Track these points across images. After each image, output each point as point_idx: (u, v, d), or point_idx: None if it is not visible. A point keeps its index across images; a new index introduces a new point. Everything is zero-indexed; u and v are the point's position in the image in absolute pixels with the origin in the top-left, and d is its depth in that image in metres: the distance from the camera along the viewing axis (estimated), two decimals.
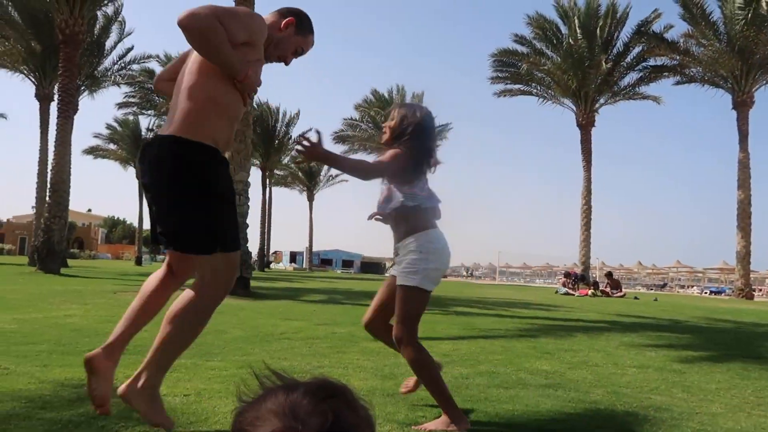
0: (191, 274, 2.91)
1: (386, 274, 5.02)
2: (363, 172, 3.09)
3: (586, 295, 21.98)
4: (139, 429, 2.87)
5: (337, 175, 56.70)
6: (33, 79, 25.48)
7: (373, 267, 67.58)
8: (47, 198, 18.58)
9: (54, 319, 6.89)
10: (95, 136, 45.28)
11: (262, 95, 44.13)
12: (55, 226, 17.37)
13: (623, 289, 23.97)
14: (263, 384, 0.76)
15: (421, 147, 3.08)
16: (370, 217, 3.33)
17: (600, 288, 23.08)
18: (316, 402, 0.69)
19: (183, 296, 2.81)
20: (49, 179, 18.55)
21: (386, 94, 39.52)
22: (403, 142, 3.08)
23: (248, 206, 11.33)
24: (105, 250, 79.81)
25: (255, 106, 25.66)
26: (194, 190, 2.62)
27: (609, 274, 25.94)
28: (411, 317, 3.03)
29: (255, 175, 40.40)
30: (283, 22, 2.92)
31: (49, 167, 19.06)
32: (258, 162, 40.60)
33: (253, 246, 39.01)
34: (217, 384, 3.87)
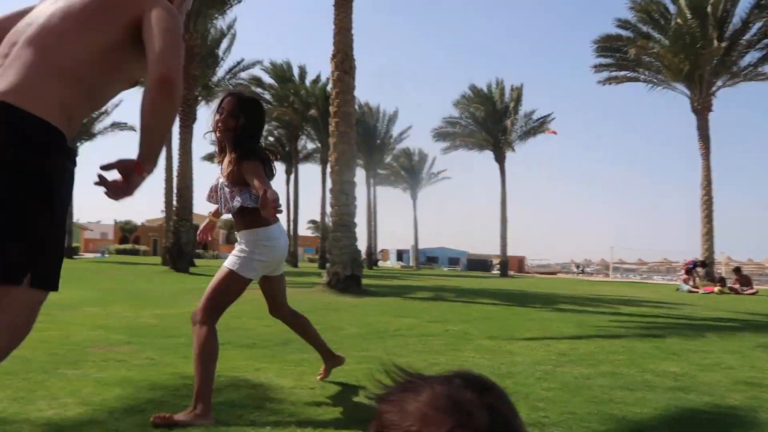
0: None
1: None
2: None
3: (712, 292, 20.37)
4: (273, 418, 3.06)
5: (439, 172, 56.81)
6: None
7: (480, 264, 66.65)
8: (174, 203, 20.19)
9: (188, 314, 7.44)
10: (212, 143, 48.50)
11: (362, 96, 44.81)
12: (183, 228, 18.88)
13: (754, 286, 21.96)
14: (396, 380, 0.72)
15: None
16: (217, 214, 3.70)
17: (727, 285, 21.31)
18: (477, 395, 0.67)
19: None
20: (175, 185, 20.15)
21: (485, 89, 38.96)
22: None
23: (355, 206, 11.68)
24: (226, 250, 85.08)
25: (357, 107, 26.15)
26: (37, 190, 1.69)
27: (737, 270, 23.85)
28: (219, 297, 3.21)
29: (359, 175, 41.42)
30: None
31: (174, 174, 20.71)
32: (361, 162, 41.59)
33: (361, 245, 40.02)
34: (339, 378, 4.04)
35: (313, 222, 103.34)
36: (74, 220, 40.55)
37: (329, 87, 35.80)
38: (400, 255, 78.40)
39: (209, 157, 47.85)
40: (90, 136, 37.91)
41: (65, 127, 1.70)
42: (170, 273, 18.55)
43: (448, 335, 6.37)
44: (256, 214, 3.13)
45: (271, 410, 3.20)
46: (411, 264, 63.45)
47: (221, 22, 26.69)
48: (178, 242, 19.00)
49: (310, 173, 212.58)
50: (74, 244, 41.81)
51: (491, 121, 37.52)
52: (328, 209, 11.81)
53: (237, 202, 3.27)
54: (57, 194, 1.69)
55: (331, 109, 11.78)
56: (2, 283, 1.64)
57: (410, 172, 54.68)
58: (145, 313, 7.44)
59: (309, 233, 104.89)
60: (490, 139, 37.77)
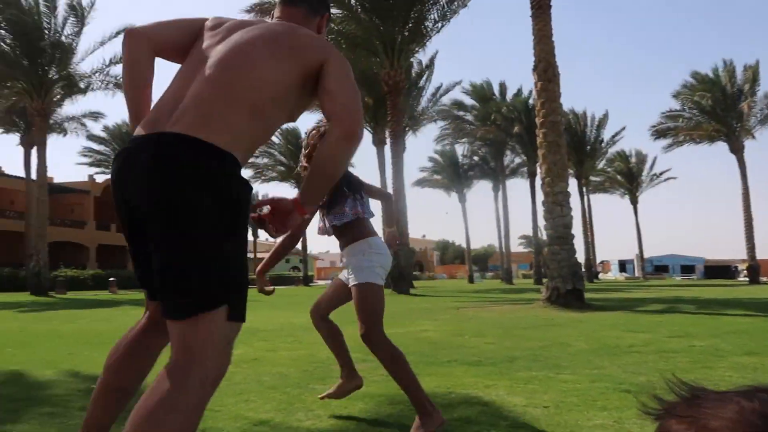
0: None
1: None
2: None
3: None
4: None
5: (662, 173, 51.64)
6: (369, 129, 30.13)
7: (720, 271, 58.60)
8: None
9: (414, 333, 7.83)
10: (421, 170, 50.77)
11: (567, 103, 42.86)
12: (402, 252, 19.92)
13: None
14: (679, 394, 0.65)
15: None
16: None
17: None
18: None
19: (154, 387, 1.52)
20: None
21: (710, 73, 34.53)
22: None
23: (571, 216, 11.14)
24: (441, 271, 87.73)
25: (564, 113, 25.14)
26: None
27: None
28: (372, 313, 3.13)
29: (571, 185, 39.51)
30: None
31: None
32: (572, 171, 39.73)
33: (579, 257, 38.04)
34: (573, 397, 3.84)
35: (524, 237, 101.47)
36: (308, 251, 45.27)
37: (531, 99, 35.14)
38: (623, 266, 72.89)
39: (418, 182, 50.06)
40: None
41: (245, 161, 1.77)
42: (393, 295, 19.63)
43: (694, 351, 5.68)
44: (362, 226, 3.30)
45: (507, 428, 3.16)
46: (636, 275, 58.49)
47: (421, 55, 28.04)
48: (399, 265, 20.06)
49: (517, 188, 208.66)
50: (309, 273, 46.65)
51: (721, 108, 33.09)
52: (541, 223, 11.46)
53: (345, 217, 3.34)
54: (244, 225, 1.70)
55: (537, 120, 11.49)
56: (203, 311, 1.57)
57: (627, 175, 50.64)
58: None
59: (521, 249, 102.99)
60: (722, 129, 33.30)
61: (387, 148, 29.65)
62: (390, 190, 22.73)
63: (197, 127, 1.64)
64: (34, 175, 25.64)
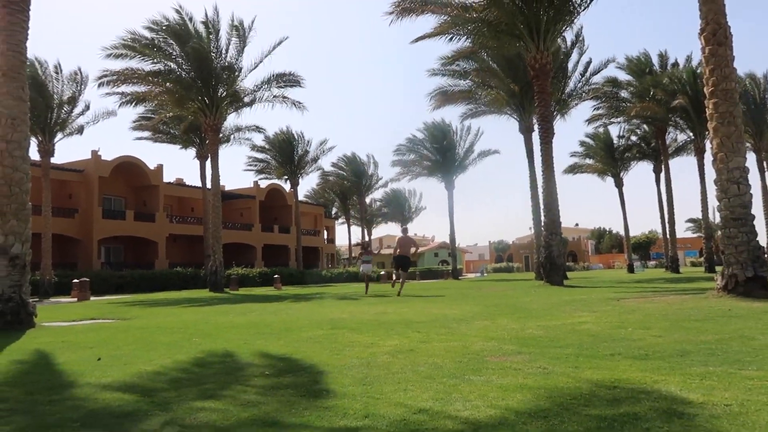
0: None
1: None
2: None
3: None
4: None
5: None
6: (515, 117, 29.35)
7: None
8: (542, 217, 20.67)
9: (570, 325, 7.50)
10: (572, 155, 48.37)
11: (742, 66, 38.33)
12: (553, 242, 19.16)
13: None
14: None
15: None
16: None
17: None
18: None
19: None
20: (541, 200, 20.66)
21: None
22: None
23: (750, 194, 9.88)
24: (596, 261, 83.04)
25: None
26: None
27: None
28: None
29: (749, 160, 35.02)
30: None
31: (540, 190, 21.26)
32: (750, 143, 35.28)
33: (761, 240, 33.82)
34: (762, 396, 3.44)
35: (692, 221, 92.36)
36: (456, 244, 45.32)
37: (699, 68, 31.68)
38: None
39: (570, 169, 47.76)
40: (463, 168, 42.15)
41: None
42: (546, 287, 18.95)
43: None
44: None
45: (683, 427, 2.91)
46: None
47: (569, 34, 26.70)
48: (550, 256, 19.35)
49: (680, 167, 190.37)
50: (458, 266, 46.65)
51: None
52: (712, 204, 10.23)
53: None
54: None
55: (706, 89, 10.32)
56: None
57: None
58: (530, 324, 7.73)
59: (688, 234, 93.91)
60: None
61: (535, 135, 28.73)
62: (539, 178, 21.98)
63: None
64: (209, 184, 28.56)
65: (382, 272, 37.47)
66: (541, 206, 20.71)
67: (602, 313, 8.94)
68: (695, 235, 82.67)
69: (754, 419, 3.00)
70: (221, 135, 30.22)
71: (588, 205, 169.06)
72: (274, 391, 4.08)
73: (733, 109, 9.91)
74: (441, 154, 41.54)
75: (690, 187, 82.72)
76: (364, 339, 6.79)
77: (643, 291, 14.62)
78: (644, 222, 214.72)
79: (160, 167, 40.96)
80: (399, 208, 68.21)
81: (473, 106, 31.27)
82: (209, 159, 27.42)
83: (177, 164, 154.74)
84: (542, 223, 20.68)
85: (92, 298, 20.37)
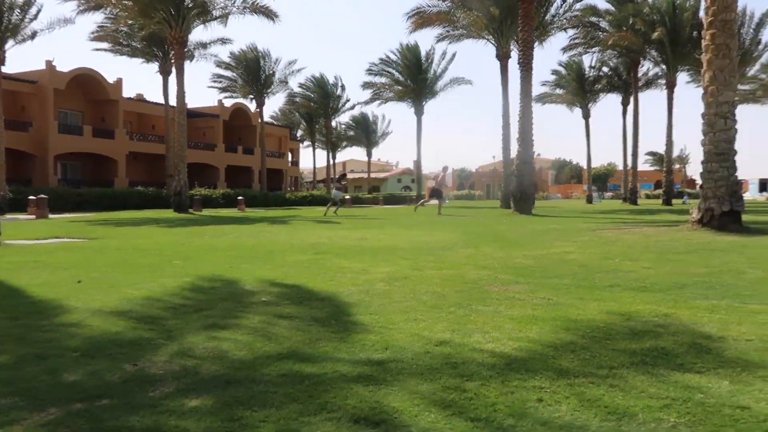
0: None
1: None
2: None
3: None
4: (717, 365, 2.74)
5: None
6: (493, 42, 28.57)
7: None
8: (517, 147, 20.56)
9: (557, 255, 7.52)
10: (543, 84, 48.09)
11: None
12: (525, 171, 19.20)
13: None
14: None
15: None
16: None
17: None
18: None
19: None
20: (517, 129, 20.50)
21: None
22: None
23: (735, 130, 9.90)
24: (556, 191, 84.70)
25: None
26: None
27: None
28: None
29: None
30: None
31: (514, 119, 21.06)
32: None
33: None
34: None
35: (652, 154, 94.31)
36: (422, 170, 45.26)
37: None
38: (764, 185, 66.97)
39: (539, 98, 47.54)
40: (433, 94, 41.45)
41: None
42: (516, 215, 19.16)
43: None
44: None
45: (716, 363, 2.87)
46: None
47: None
48: (522, 185, 19.43)
49: (647, 101, 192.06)
50: (422, 193, 46.83)
51: None
52: (677, 138, 10.13)
53: None
54: None
55: (705, 19, 10.04)
56: None
57: None
58: (516, 253, 7.73)
59: (646, 167, 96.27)
60: None
61: (511, 62, 28.14)
62: (514, 107, 21.73)
63: None
64: (172, 101, 27.25)
65: (347, 197, 37.48)
66: (516, 135, 20.58)
67: (582, 243, 9.02)
68: (652, 168, 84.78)
69: None
70: (186, 50, 28.56)
71: (550, 135, 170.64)
72: (281, 320, 3.91)
73: (730, 41, 9.72)
74: (413, 78, 40.60)
75: (651, 121, 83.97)
76: (353, 265, 6.65)
77: (614, 222, 14.89)
78: (603, 154, 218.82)
79: (119, 81, 38.84)
80: (365, 132, 67.23)
81: (450, 28, 30.26)
82: (173, 74, 26.04)
83: (137, 80, 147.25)
84: (516, 153, 20.60)
85: (51, 216, 19.62)
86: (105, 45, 35.52)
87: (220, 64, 43.12)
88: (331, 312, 4.16)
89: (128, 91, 43.54)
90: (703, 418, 2.22)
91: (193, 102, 57.88)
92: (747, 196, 59.87)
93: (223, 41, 34.99)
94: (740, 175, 10.30)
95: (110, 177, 37.47)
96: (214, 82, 45.35)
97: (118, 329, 3.64)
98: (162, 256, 7.87)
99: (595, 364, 2.87)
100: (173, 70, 25.86)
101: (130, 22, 28.41)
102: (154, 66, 36.29)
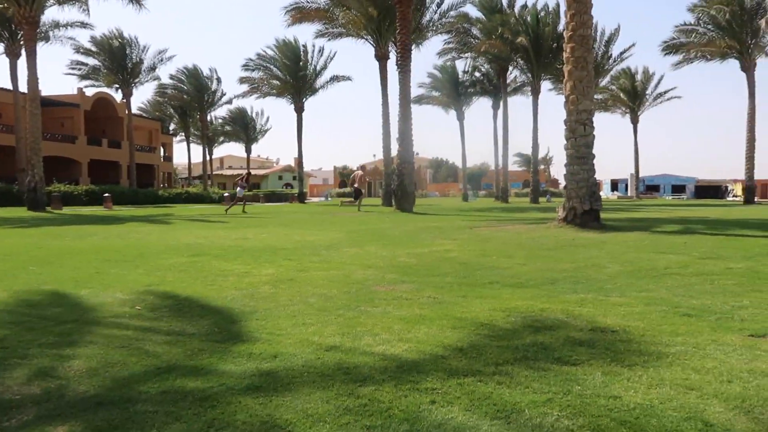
0: None
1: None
2: None
3: None
4: (588, 356, 2.94)
5: (666, 92, 50.64)
6: (372, 42, 28.90)
7: (710, 191, 59.28)
8: (398, 147, 20.97)
9: (438, 253, 7.75)
10: (419, 86, 49.45)
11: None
12: (406, 170, 19.66)
13: None
14: None
15: None
16: None
17: None
18: None
19: None
20: (396, 130, 20.90)
21: None
22: None
23: (593, 135, 10.84)
24: (434, 189, 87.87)
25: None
26: None
27: None
28: None
29: None
30: None
31: (394, 119, 21.49)
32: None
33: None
34: (637, 321, 3.77)
35: (520, 155, 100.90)
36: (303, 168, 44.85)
37: (543, 12, 33.37)
38: (615, 185, 74.10)
39: (417, 100, 48.93)
40: (313, 91, 41.17)
41: None
42: (397, 213, 19.57)
43: (734, 274, 5.64)
44: None
45: (589, 355, 3.07)
46: (630, 194, 59.20)
47: None
48: (403, 184, 19.88)
49: (513, 106, 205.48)
50: (304, 190, 46.49)
51: (737, 23, 31.86)
52: (542, 142, 10.94)
53: None
54: None
55: (566, 33, 10.86)
56: None
57: (631, 94, 49.74)
58: (400, 252, 7.86)
59: (515, 167, 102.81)
60: (735, 45, 32.22)
61: (390, 63, 28.64)
62: (393, 106, 22.12)
63: None
64: (22, 87, 24.64)
65: (226, 194, 36.30)
66: (396, 135, 20.98)
67: (462, 241, 9.39)
68: (521, 169, 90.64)
69: (641, 343, 3.26)
70: (38, 31, 25.91)
71: (428, 135, 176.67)
72: (159, 331, 3.63)
73: (587, 54, 10.61)
74: (292, 74, 40.04)
75: (520, 124, 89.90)
76: (234, 267, 6.39)
77: (488, 219, 15.68)
78: (478, 154, 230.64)
79: None
80: (243, 128, 65.29)
81: (329, 26, 30.19)
82: (23, 57, 23.53)
83: None
84: (396, 152, 21.02)
85: None
86: None
87: (79, 49, 39.70)
88: (214, 320, 3.94)
89: None
90: (582, 409, 2.35)
91: (49, 89, 52.89)
92: (602, 194, 66.05)
93: (83, 24, 32.15)
94: (596, 176, 11.26)
95: None
96: (73, 69, 41.66)
97: None
98: (15, 261, 7.06)
99: (483, 361, 2.96)
100: (23, 52, 23.31)
101: None
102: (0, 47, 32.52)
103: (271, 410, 2.32)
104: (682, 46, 34.69)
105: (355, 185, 23.77)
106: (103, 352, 3.13)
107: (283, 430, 2.15)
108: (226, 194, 39.23)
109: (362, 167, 23.84)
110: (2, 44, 32.01)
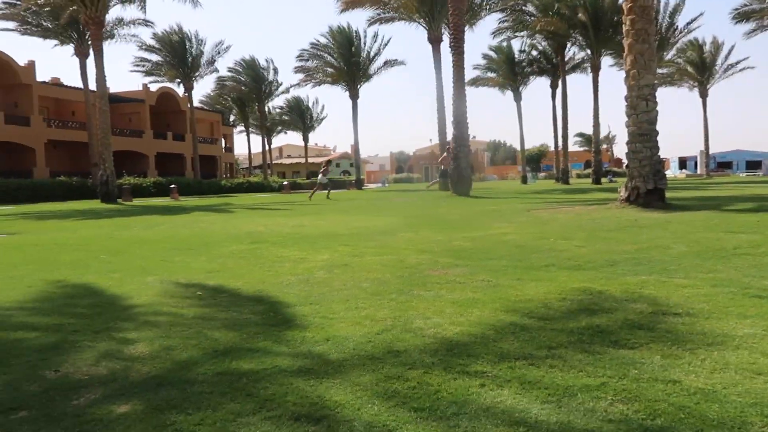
0: None
1: None
2: None
3: None
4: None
5: (738, 62, 47.76)
6: (424, 25, 28.61)
7: None
8: (452, 130, 20.72)
9: (494, 236, 7.64)
10: (474, 68, 48.66)
11: None
12: (462, 154, 19.44)
13: None
14: None
15: None
16: None
17: None
18: None
19: None
20: (451, 113, 20.63)
21: None
22: None
23: (657, 111, 10.35)
24: (491, 172, 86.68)
25: None
26: None
27: None
28: None
29: None
30: None
31: (450, 102, 21.20)
32: None
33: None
34: (702, 304, 3.60)
35: (580, 135, 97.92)
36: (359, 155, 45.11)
37: None
38: (684, 163, 71.05)
39: (472, 82, 48.18)
40: (367, 77, 41.26)
41: None
42: (454, 197, 19.39)
43: None
44: None
45: (649, 340, 2.96)
46: (699, 172, 56.49)
47: None
48: (459, 168, 19.68)
49: (572, 85, 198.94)
50: (361, 176, 46.79)
51: None
52: (603, 120, 10.51)
53: None
54: None
55: (625, 5, 10.39)
56: None
57: (699, 66, 47.17)
58: (456, 236, 7.80)
59: (576, 147, 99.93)
60: None
61: (443, 45, 28.28)
62: (447, 91, 21.86)
63: None
64: (91, 85, 25.84)
65: (285, 182, 36.93)
66: (450, 119, 20.75)
67: (519, 224, 9.22)
68: (582, 149, 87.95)
69: (708, 327, 3.11)
70: (104, 30, 27.06)
71: (484, 118, 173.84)
72: (218, 315, 3.75)
73: (648, 26, 10.11)
74: (346, 61, 40.22)
75: (580, 103, 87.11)
76: (291, 254, 6.52)
77: (548, 202, 15.32)
78: (536, 136, 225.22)
79: (31, 64, 36.46)
80: (300, 117, 66.26)
81: (381, 11, 30.07)
82: (92, 57, 24.63)
83: (52, 63, 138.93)
84: (452, 136, 20.80)
85: None
86: (11, 24, 32.94)
87: (143, 46, 41.24)
88: (270, 304, 4.04)
89: (42, 75, 41.00)
90: (638, 394, 2.27)
91: (116, 86, 55.24)
92: (668, 173, 63.27)
93: (146, 23, 33.36)
94: (661, 153, 10.77)
95: (28, 167, 35.32)
96: (137, 65, 43.33)
97: (36, 333, 3.39)
98: (87, 250, 7.46)
99: (535, 344, 2.90)
100: (91, 52, 24.42)
101: (40, 1, 26.62)
102: (69, 48, 34.16)
103: (321, 392, 2.37)
104: (755, 13, 32.50)
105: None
106: (164, 335, 3.27)
107: (332, 411, 2.19)
108: (285, 182, 40.00)
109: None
110: (72, 45, 33.65)
